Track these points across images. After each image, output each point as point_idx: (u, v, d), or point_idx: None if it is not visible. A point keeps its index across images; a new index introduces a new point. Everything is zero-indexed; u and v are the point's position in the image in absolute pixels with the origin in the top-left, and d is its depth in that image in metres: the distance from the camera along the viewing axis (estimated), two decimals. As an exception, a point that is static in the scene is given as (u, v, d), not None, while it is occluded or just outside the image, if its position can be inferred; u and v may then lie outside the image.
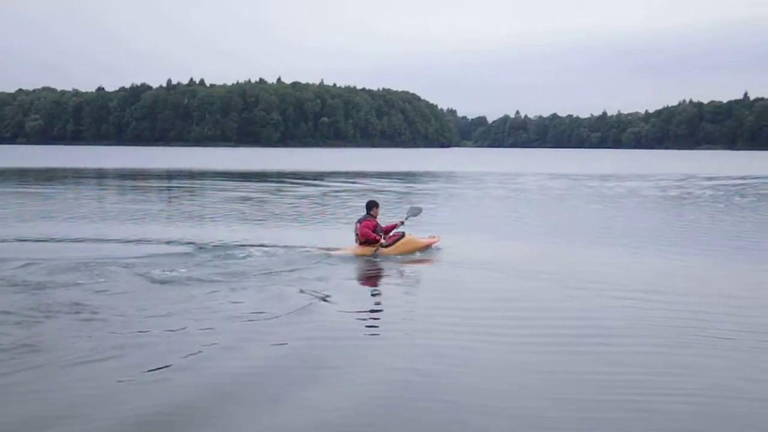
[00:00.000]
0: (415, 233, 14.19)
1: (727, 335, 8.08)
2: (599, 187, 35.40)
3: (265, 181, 38.97)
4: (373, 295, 10.71)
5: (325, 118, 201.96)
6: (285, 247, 13.75)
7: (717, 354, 7.40)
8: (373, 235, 13.15)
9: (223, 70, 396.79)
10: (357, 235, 13.29)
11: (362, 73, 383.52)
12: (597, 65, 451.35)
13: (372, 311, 9.45)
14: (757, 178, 45.00)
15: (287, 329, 8.14)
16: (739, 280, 11.45)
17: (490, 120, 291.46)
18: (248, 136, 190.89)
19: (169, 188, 33.31)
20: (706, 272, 12.24)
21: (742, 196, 30.09)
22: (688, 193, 31.38)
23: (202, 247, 13.84)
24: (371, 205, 13.60)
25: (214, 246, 14.07)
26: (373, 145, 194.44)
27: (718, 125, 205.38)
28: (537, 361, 7.13)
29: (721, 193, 31.75)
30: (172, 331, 7.92)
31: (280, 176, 44.58)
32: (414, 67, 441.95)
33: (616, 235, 16.95)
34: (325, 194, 29.12)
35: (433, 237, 14.36)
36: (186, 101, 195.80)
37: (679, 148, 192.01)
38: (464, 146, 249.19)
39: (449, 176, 47.64)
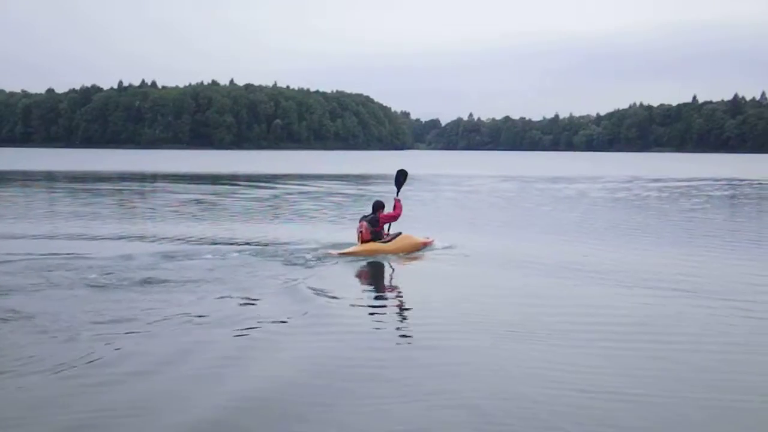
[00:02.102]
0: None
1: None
2: (548, 189, 35.98)
3: (220, 184, 38.82)
4: (382, 293, 10.88)
5: (278, 121, 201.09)
6: (275, 245, 14.03)
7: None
8: (394, 213, 13.80)
9: (174, 72, 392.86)
10: (360, 233, 13.58)
11: (315, 74, 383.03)
12: (549, 69, 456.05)
13: (391, 313, 9.40)
14: (701, 180, 46.01)
15: (307, 336, 7.91)
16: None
17: (443, 122, 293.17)
18: (201, 138, 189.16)
19: (120, 191, 33.06)
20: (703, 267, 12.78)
21: (688, 197, 30.80)
22: (635, 195, 32.07)
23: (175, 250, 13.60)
24: (378, 206, 13.92)
25: (190, 247, 14.03)
26: (327, 148, 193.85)
27: (667, 128, 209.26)
28: (590, 356, 7.25)
29: (666, 194, 32.53)
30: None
31: (233, 178, 44.47)
32: (367, 69, 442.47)
33: (570, 231, 17.45)
34: (277, 196, 29.18)
35: (428, 238, 14.56)
36: (137, 103, 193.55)
37: (630, 151, 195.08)
38: (418, 148, 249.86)
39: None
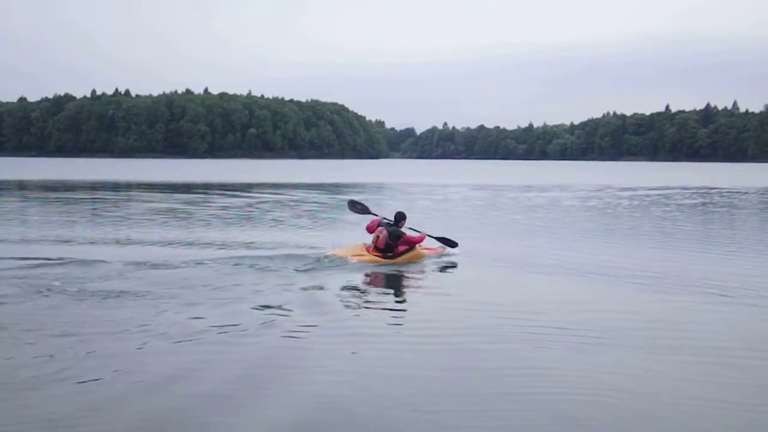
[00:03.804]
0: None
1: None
2: (520, 198, 36.27)
3: (195, 193, 38.70)
4: (401, 299, 10.69)
5: (252, 129, 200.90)
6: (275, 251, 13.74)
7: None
8: (415, 240, 13.53)
9: (148, 80, 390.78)
10: (377, 237, 13.02)
11: (290, 83, 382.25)
12: (524, 79, 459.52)
13: (420, 319, 9.10)
14: (671, 188, 46.56)
15: (345, 340, 7.71)
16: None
17: (418, 131, 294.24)
18: (175, 147, 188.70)
19: (93, 200, 32.89)
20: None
21: (658, 205, 31.21)
22: (606, 203, 32.43)
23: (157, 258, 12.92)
24: (400, 216, 13.64)
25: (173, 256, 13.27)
26: (302, 157, 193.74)
27: (640, 137, 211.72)
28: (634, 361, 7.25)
29: (636, 203, 32.95)
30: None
31: (207, 187, 44.25)
32: (342, 78, 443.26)
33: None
34: (252, 205, 29.21)
35: (442, 246, 14.54)
36: (111, 112, 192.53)
37: (604, 160, 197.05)
38: (393, 157, 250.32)
39: (377, 187, 47.99)
